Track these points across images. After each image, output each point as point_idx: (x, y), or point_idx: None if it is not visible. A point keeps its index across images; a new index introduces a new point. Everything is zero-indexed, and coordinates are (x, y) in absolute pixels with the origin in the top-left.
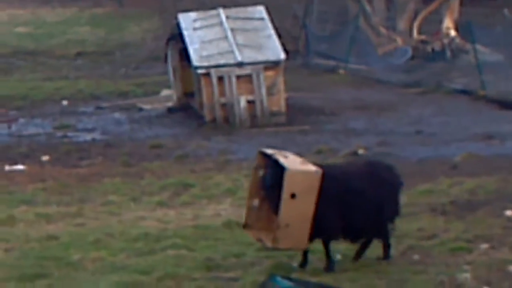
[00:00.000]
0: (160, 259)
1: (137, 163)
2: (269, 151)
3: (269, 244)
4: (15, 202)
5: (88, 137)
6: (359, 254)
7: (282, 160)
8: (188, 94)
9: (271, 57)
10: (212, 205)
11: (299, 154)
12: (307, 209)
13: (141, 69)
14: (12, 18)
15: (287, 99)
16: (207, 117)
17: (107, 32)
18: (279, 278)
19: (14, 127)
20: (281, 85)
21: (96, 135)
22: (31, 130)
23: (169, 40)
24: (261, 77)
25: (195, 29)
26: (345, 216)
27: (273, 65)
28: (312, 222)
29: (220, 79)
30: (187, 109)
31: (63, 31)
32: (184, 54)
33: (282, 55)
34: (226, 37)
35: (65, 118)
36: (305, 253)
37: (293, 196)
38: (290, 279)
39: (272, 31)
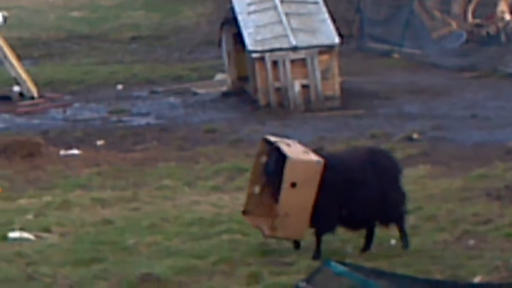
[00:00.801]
0: (214, 244)
1: (191, 148)
2: (272, 138)
3: (267, 232)
4: (70, 187)
5: (143, 121)
6: (405, 242)
7: (284, 148)
8: (243, 78)
9: (325, 41)
10: None
11: (352, 138)
12: (307, 199)
13: (196, 53)
14: (67, 2)
15: (341, 83)
16: (262, 101)
17: (162, 16)
18: (333, 263)
19: (69, 112)
20: (335, 69)
21: (151, 120)
22: (86, 114)
23: (223, 24)
24: (315, 61)
25: (249, 13)
26: (346, 205)
27: (327, 49)
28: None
29: (275, 63)
30: (241, 94)
31: (117, 15)
32: (238, 38)
33: (337, 39)
34: (280, 21)
35: (120, 103)
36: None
37: (293, 185)
38: (344, 264)
39: (326, 15)
